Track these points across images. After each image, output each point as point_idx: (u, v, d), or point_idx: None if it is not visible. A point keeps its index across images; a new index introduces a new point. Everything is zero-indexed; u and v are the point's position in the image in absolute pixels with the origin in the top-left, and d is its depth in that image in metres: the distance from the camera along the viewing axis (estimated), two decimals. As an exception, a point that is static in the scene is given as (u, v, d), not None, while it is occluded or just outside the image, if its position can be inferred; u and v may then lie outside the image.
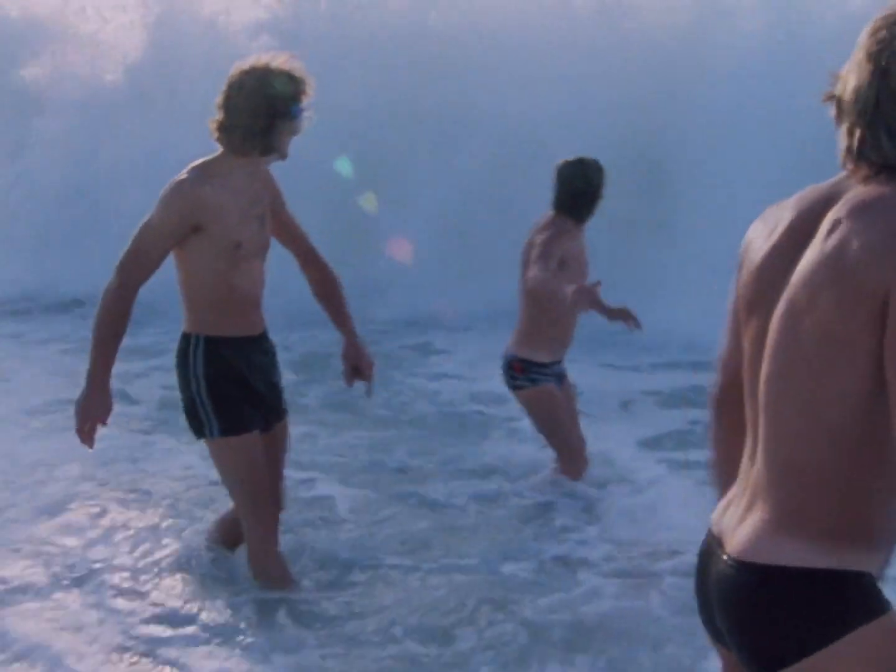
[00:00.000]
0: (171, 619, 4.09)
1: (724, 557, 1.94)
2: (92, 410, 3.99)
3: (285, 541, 4.46)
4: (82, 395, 4.00)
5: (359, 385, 4.49)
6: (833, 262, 1.79)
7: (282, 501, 4.45)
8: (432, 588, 4.40)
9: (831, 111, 1.91)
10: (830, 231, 1.82)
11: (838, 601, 1.83)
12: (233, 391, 4.16)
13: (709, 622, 2.05)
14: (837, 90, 1.89)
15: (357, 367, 4.45)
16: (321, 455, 6.11)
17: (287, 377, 5.11)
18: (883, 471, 1.83)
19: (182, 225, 4.06)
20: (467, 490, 5.52)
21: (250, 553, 4.29)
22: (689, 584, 4.18)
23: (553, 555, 4.73)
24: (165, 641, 3.93)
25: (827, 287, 1.79)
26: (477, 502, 5.38)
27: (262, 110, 4.02)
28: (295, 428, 6.52)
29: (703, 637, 3.55)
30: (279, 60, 4.06)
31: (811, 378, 1.83)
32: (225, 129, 4.10)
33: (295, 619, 4.10)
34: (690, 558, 4.32)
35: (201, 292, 4.18)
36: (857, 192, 1.85)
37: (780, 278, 1.90)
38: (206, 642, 3.90)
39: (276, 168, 4.27)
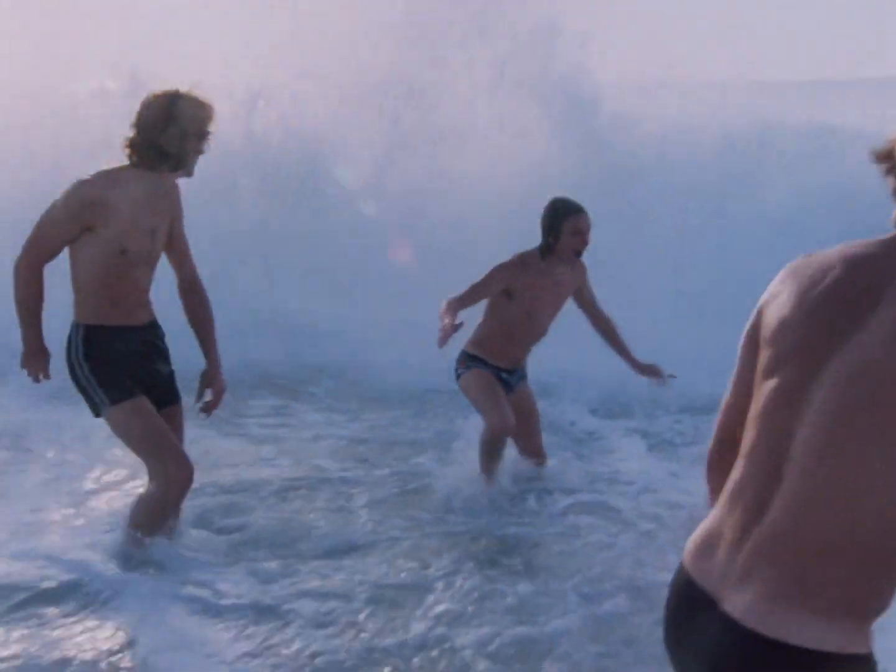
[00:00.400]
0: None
1: (726, 618, 1.86)
2: (33, 366, 4.52)
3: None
4: (23, 357, 4.52)
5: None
6: None
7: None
8: (429, 535, 5.19)
9: (890, 181, 1.88)
10: None
11: None
12: (112, 368, 4.45)
13: (680, 664, 2.02)
14: (888, 152, 1.85)
15: (212, 391, 4.70)
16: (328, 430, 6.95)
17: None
18: None
19: (77, 222, 4.32)
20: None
21: (144, 500, 4.52)
22: (647, 523, 5.01)
23: (533, 509, 5.52)
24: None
25: None
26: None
27: (173, 130, 4.33)
28: (307, 415, 7.33)
29: (652, 562, 4.43)
30: (188, 89, 4.39)
31: (892, 452, 1.73)
32: (137, 146, 4.39)
33: (267, 555, 4.79)
34: (649, 505, 5.19)
35: (85, 286, 4.45)
36: None
37: (825, 335, 1.83)
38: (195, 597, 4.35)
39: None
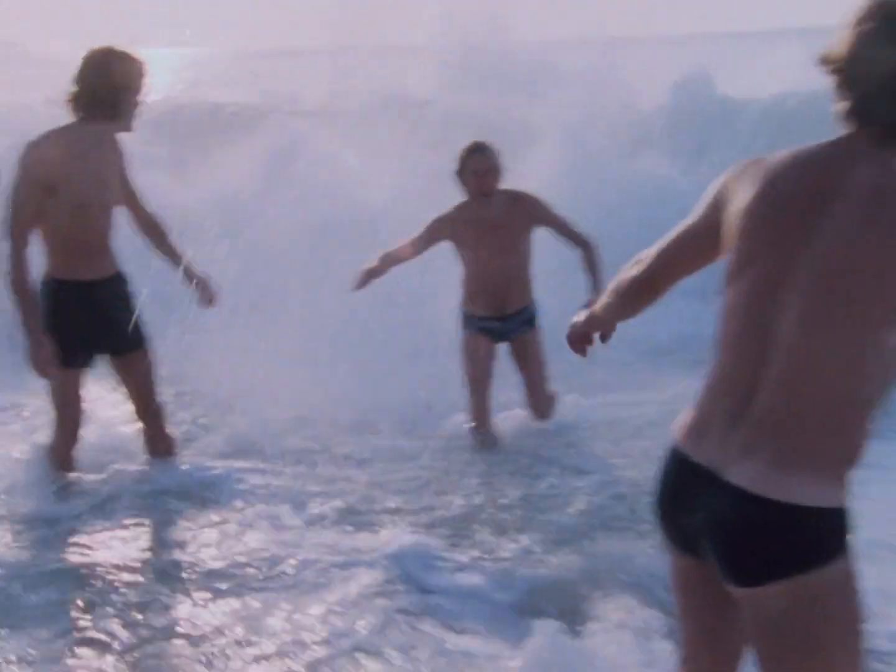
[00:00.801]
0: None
1: (732, 487, 2.00)
2: (42, 354, 4.61)
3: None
4: (29, 349, 4.57)
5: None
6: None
7: (161, 420, 5.12)
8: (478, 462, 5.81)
9: (831, 81, 2.00)
10: (878, 197, 1.92)
11: (837, 534, 2.00)
12: (66, 327, 4.69)
13: (675, 533, 2.17)
14: (834, 55, 1.98)
15: (203, 290, 5.08)
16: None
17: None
18: (872, 416, 2.01)
19: (37, 182, 4.56)
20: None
21: (51, 445, 5.01)
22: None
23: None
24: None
25: (889, 249, 1.90)
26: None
27: (106, 81, 4.61)
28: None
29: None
30: (121, 47, 4.70)
31: (861, 325, 1.92)
32: (77, 99, 4.68)
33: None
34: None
35: (52, 243, 4.71)
36: (887, 158, 1.94)
37: (791, 232, 1.97)
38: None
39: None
